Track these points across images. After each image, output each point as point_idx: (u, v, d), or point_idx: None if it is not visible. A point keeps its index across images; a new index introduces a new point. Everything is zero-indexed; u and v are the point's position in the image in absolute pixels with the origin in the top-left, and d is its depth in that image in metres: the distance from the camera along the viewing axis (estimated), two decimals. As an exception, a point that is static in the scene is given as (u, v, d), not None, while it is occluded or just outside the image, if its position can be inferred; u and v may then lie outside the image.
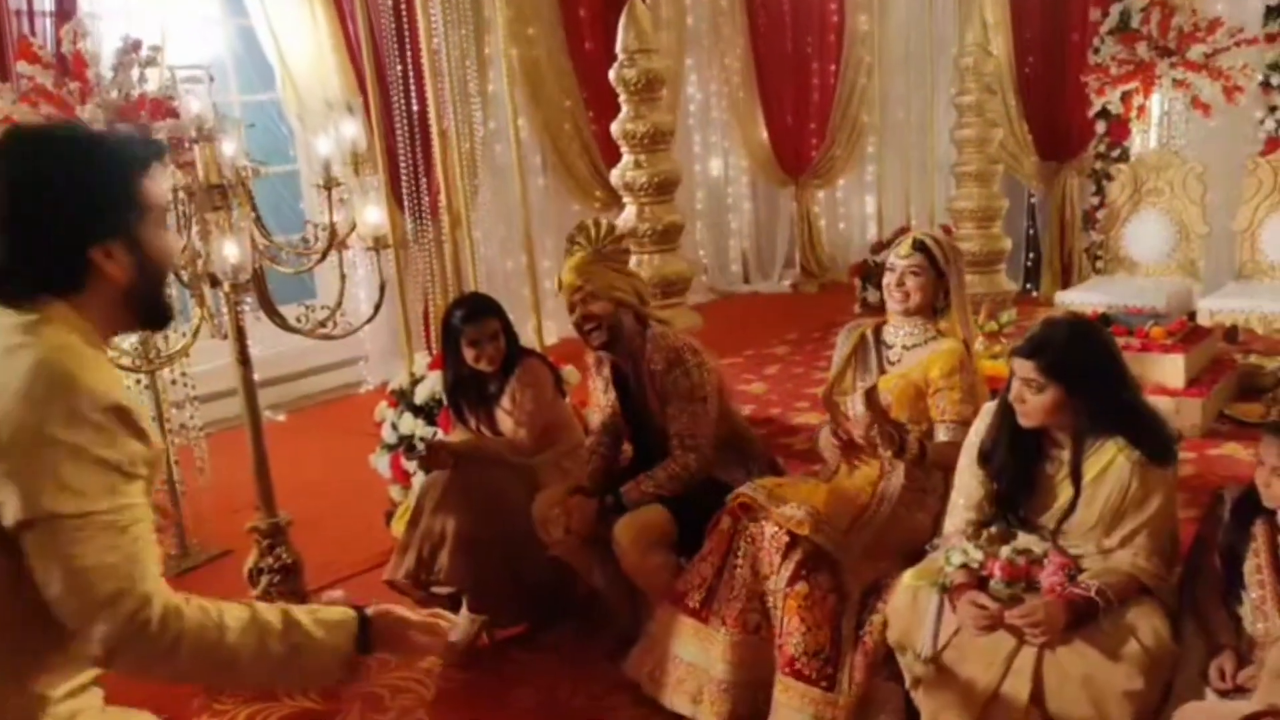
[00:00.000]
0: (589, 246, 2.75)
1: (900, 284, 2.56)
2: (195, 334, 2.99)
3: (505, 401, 3.00)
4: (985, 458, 2.24)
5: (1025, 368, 2.12)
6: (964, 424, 2.41)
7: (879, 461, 2.52)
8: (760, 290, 8.25)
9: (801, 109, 7.99)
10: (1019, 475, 2.19)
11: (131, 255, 1.31)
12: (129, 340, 3.58)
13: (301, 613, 1.36)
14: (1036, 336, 2.16)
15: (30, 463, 1.19)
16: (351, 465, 4.05)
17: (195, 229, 2.79)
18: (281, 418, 5.50)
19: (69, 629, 1.23)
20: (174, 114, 3.38)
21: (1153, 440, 2.12)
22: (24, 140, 1.34)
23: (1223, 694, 1.91)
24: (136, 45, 3.67)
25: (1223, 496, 2.20)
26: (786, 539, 2.34)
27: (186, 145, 2.97)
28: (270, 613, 1.34)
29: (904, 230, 7.43)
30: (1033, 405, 2.12)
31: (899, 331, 2.62)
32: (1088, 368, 2.11)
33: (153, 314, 1.40)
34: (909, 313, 2.58)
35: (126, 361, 3.09)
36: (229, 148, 2.86)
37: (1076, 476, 2.14)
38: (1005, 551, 2.09)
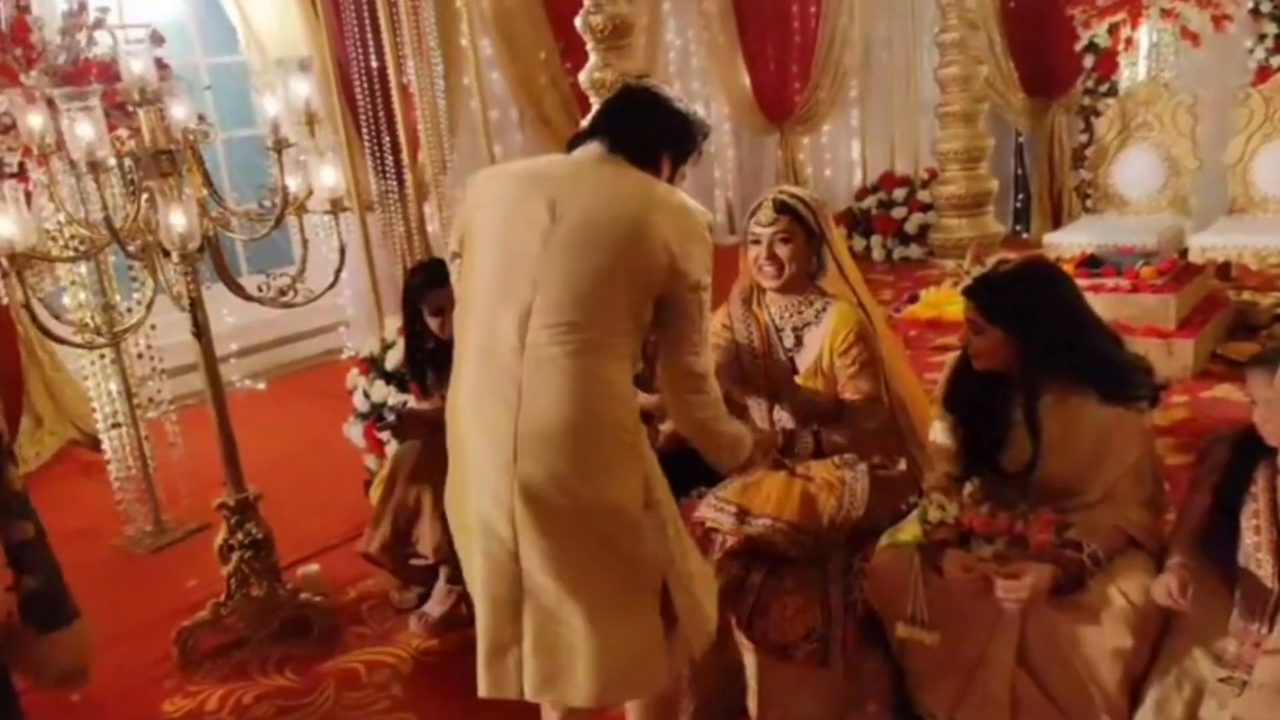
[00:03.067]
0: None
1: (771, 256, 2.26)
2: (149, 306, 2.88)
3: None
4: (948, 403, 2.18)
5: (966, 308, 2.08)
6: (872, 400, 2.27)
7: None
8: (747, 240, 8.12)
9: (783, 53, 7.79)
10: (985, 422, 2.12)
11: (671, 170, 1.90)
12: (88, 312, 3.50)
13: None
14: (981, 277, 2.08)
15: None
16: (330, 434, 3.97)
17: (144, 198, 2.68)
18: (261, 386, 5.42)
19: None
20: (120, 78, 3.25)
21: (1118, 385, 2.04)
22: (650, 94, 1.94)
23: (1212, 621, 1.85)
24: (83, 7, 3.53)
25: (1217, 439, 2.11)
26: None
27: (130, 110, 2.84)
28: None
29: (889, 176, 7.32)
30: (975, 347, 2.08)
31: (784, 312, 2.34)
32: (1028, 311, 2.03)
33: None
34: (785, 288, 2.31)
35: (80, 338, 2.98)
36: (179, 111, 2.73)
37: (1033, 427, 2.07)
38: (984, 508, 2.02)
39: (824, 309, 2.31)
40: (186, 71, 5.42)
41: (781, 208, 2.27)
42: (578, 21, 3.76)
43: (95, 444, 4.22)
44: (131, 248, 2.70)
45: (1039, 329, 2.02)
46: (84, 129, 2.45)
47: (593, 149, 1.80)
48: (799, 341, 2.34)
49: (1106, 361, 2.06)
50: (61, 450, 4.76)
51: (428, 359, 2.95)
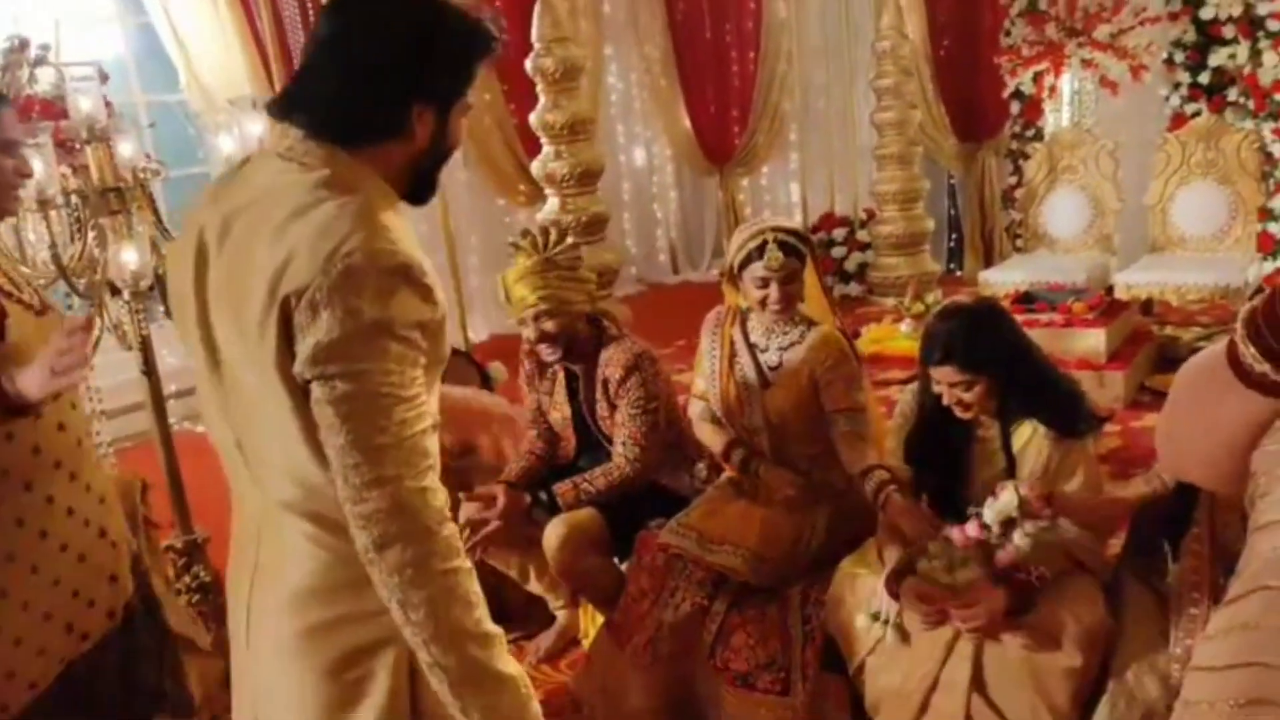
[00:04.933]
0: (536, 255, 2.53)
1: (781, 298, 2.32)
2: (95, 345, 2.82)
3: None
4: (909, 455, 2.23)
5: (947, 373, 2.11)
6: (858, 410, 2.34)
7: (787, 472, 2.40)
8: (690, 279, 8.23)
9: (723, 97, 7.98)
10: (948, 467, 2.19)
11: (437, 124, 1.29)
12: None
13: None
14: (941, 338, 2.14)
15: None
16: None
17: (92, 235, 2.64)
18: (200, 429, 5.30)
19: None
20: (65, 115, 3.21)
21: (1066, 413, 2.14)
22: None
23: (1156, 641, 1.91)
24: (24, 44, 3.49)
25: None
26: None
27: (78, 147, 2.81)
28: None
29: (829, 217, 7.49)
30: (970, 399, 2.12)
31: (771, 333, 2.43)
32: (999, 349, 2.12)
33: (425, 186, 1.36)
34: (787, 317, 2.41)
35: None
36: (126, 149, 2.71)
37: (1007, 450, 2.14)
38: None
39: (807, 330, 2.39)
40: (127, 109, 5.37)
41: (789, 250, 2.31)
42: (528, 64, 3.83)
43: (28, 489, 4.09)
44: (80, 286, 2.66)
45: (1013, 365, 2.11)
46: (34, 166, 2.42)
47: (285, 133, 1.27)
48: (780, 362, 2.40)
49: (1057, 393, 2.16)
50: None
51: None
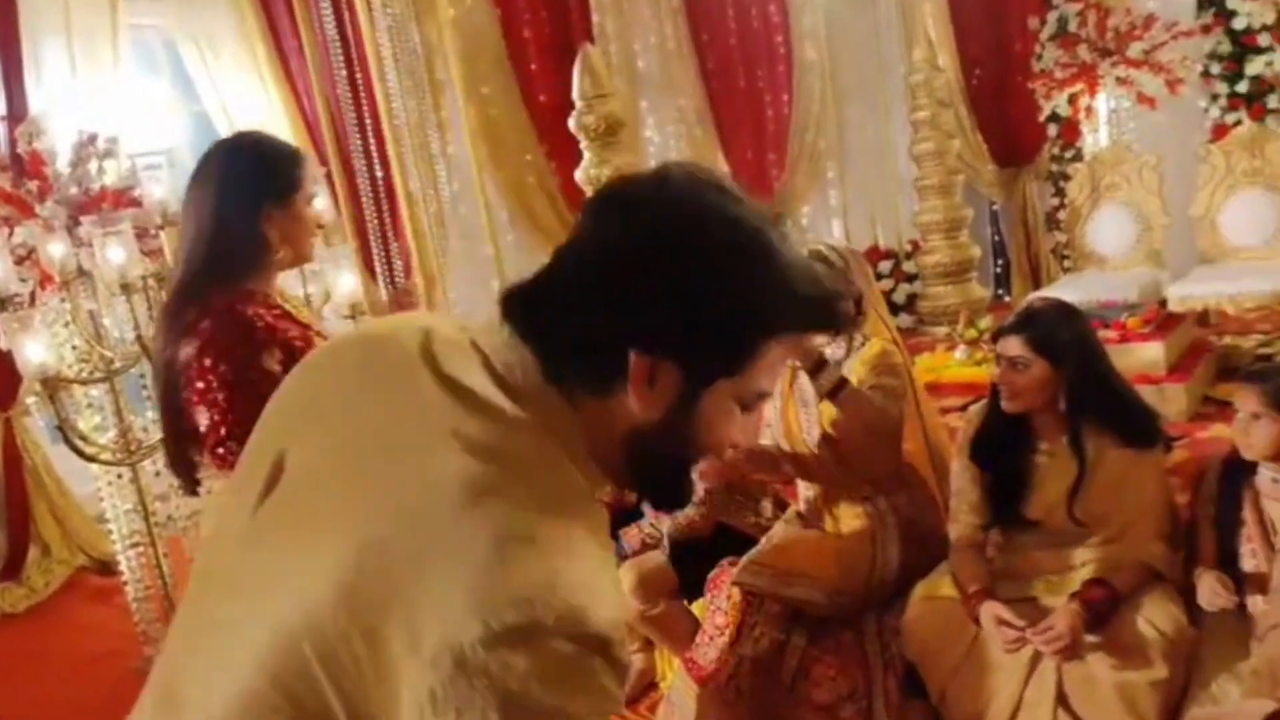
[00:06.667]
0: None
1: None
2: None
3: None
4: (976, 452, 2.24)
5: (1012, 344, 2.13)
6: (879, 413, 2.28)
7: (854, 504, 2.40)
8: (737, 322, 8.27)
9: (759, 141, 8.08)
10: (1012, 468, 2.19)
11: (680, 396, 0.87)
12: (109, 433, 3.54)
13: None
14: (1021, 313, 2.19)
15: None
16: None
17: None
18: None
19: None
20: (136, 203, 3.38)
21: (1136, 422, 2.14)
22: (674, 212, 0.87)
23: (1237, 644, 1.90)
24: (93, 139, 3.68)
25: (1205, 471, 2.21)
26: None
27: (152, 233, 2.96)
28: None
29: (874, 250, 7.51)
30: (1021, 384, 2.12)
31: (827, 349, 2.41)
32: (1072, 342, 2.13)
33: (651, 484, 0.99)
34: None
35: (106, 455, 3.04)
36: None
37: (1079, 451, 2.13)
38: None
39: (862, 345, 2.41)
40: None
41: (816, 256, 2.34)
42: (571, 122, 3.95)
43: (105, 569, 4.21)
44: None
45: (1081, 360, 2.12)
46: (115, 253, 2.56)
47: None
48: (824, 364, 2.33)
49: (1128, 403, 2.17)
50: (71, 578, 4.74)
51: None
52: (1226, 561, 2.06)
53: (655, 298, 0.84)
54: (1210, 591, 1.95)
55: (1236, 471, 2.08)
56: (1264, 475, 2.03)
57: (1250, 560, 2.00)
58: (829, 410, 2.36)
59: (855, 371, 2.35)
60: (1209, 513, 2.14)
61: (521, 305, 0.90)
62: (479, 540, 0.77)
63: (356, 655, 0.78)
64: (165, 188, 2.85)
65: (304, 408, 0.96)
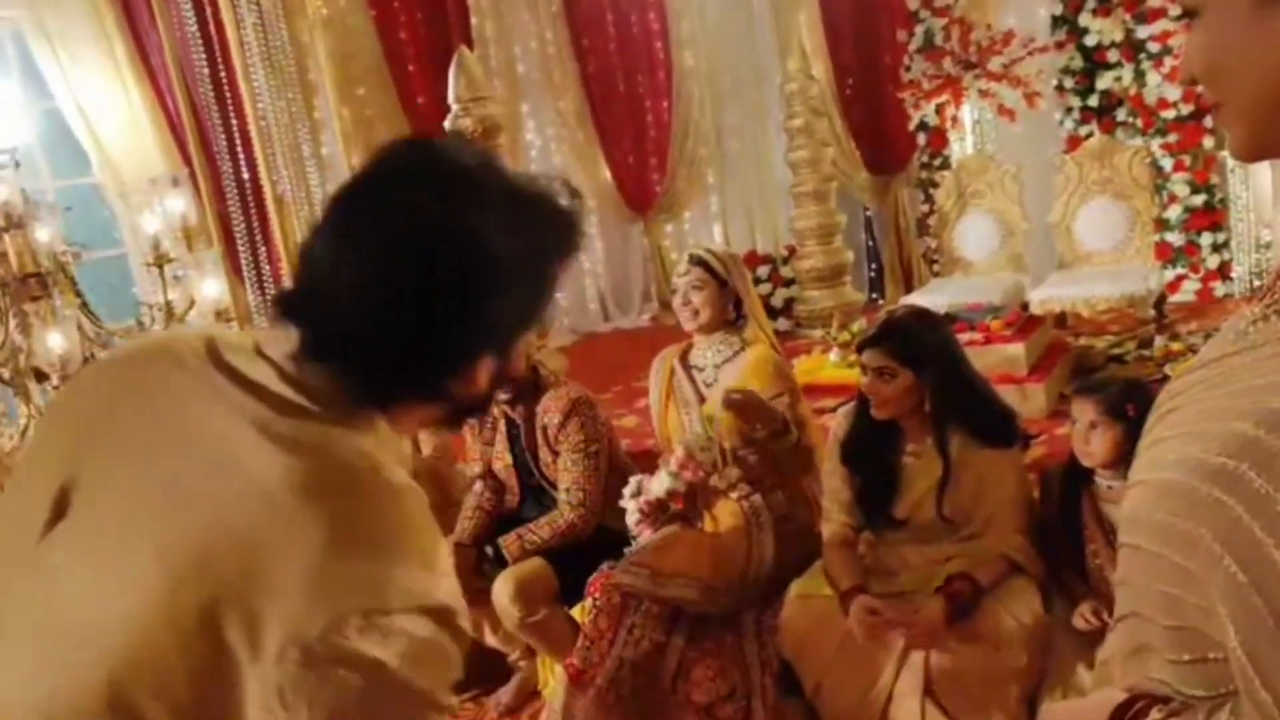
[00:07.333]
0: None
1: (686, 301, 2.53)
2: (24, 434, 2.78)
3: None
4: (847, 456, 2.30)
5: (876, 356, 2.20)
6: (801, 425, 2.45)
7: (730, 502, 2.46)
8: (621, 326, 8.30)
9: (640, 146, 8.13)
10: (882, 470, 2.26)
11: (498, 364, 0.94)
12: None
13: None
14: (883, 324, 2.26)
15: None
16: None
17: (14, 322, 2.62)
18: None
19: None
20: (-21, 204, 3.17)
21: (996, 422, 2.24)
22: (442, 190, 0.86)
23: (1088, 632, 1.99)
24: (-70, 136, 3.45)
25: (1049, 477, 2.32)
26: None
27: (-5, 235, 2.78)
28: None
29: (752, 255, 7.65)
30: (887, 393, 2.20)
31: (706, 352, 2.58)
32: (933, 350, 2.21)
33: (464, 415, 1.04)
34: (704, 329, 2.55)
35: (-51, 473, 2.84)
36: (44, 234, 2.70)
37: (944, 452, 2.21)
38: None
39: (741, 349, 2.50)
40: (37, 195, 5.29)
41: (696, 261, 2.53)
42: (446, 124, 3.89)
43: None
44: (5, 374, 2.62)
45: (944, 366, 2.20)
46: (-49, 257, 2.40)
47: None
48: (715, 379, 2.51)
49: (989, 404, 2.26)
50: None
51: None
52: (1075, 562, 2.17)
53: (478, 318, 0.87)
54: (1081, 618, 2.03)
55: (1076, 478, 2.18)
56: (1101, 482, 2.15)
57: (1094, 560, 2.11)
58: (728, 419, 2.41)
59: (748, 382, 2.40)
60: (1053, 516, 2.24)
61: (305, 320, 0.88)
62: (313, 535, 0.78)
63: (191, 667, 0.78)
64: (10, 187, 2.68)
65: (86, 429, 0.90)
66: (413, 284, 0.84)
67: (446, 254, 0.84)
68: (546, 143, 8.07)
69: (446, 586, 0.83)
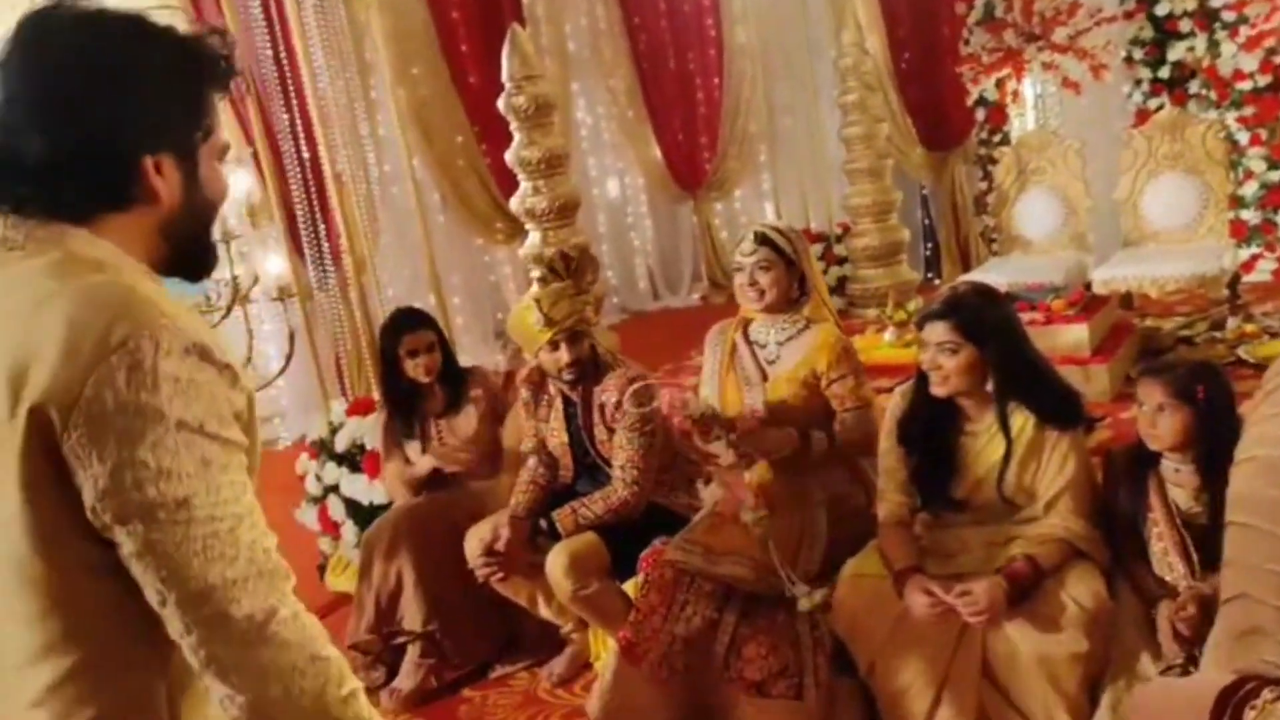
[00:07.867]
0: (565, 279, 2.73)
1: (752, 282, 2.46)
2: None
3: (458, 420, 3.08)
4: (904, 435, 2.27)
5: (938, 330, 2.16)
6: (866, 406, 2.42)
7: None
8: (670, 305, 8.29)
9: (691, 124, 8.08)
10: (940, 450, 2.23)
11: (183, 175, 1.06)
12: None
13: None
14: (946, 299, 2.21)
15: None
16: (277, 521, 3.88)
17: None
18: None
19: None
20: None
21: (1060, 403, 2.19)
22: (79, 21, 1.03)
23: (1179, 641, 1.91)
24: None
25: (1113, 458, 2.26)
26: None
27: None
28: None
29: (805, 234, 7.57)
30: (949, 368, 2.15)
31: (769, 329, 2.53)
32: (996, 325, 2.17)
33: (193, 255, 1.13)
34: (769, 309, 2.50)
35: None
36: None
37: (1006, 431, 2.17)
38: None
39: (805, 328, 2.48)
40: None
41: (761, 239, 2.47)
42: (500, 103, 3.88)
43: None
44: None
45: (1006, 342, 2.16)
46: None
47: None
48: (778, 356, 2.48)
49: (1052, 384, 2.21)
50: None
51: (403, 403, 3.10)
52: (1139, 548, 2.12)
53: (137, 111, 1.02)
54: (1168, 621, 1.95)
55: (1142, 462, 2.13)
56: (1167, 465, 2.10)
57: (1158, 544, 2.06)
58: (779, 387, 2.39)
59: (815, 363, 2.40)
60: (1116, 500, 2.18)
61: (2, 176, 1.01)
62: (65, 314, 0.92)
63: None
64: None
65: None
66: (51, 97, 0.99)
67: (74, 68, 1.00)
68: (597, 121, 8.05)
69: (198, 326, 0.98)
